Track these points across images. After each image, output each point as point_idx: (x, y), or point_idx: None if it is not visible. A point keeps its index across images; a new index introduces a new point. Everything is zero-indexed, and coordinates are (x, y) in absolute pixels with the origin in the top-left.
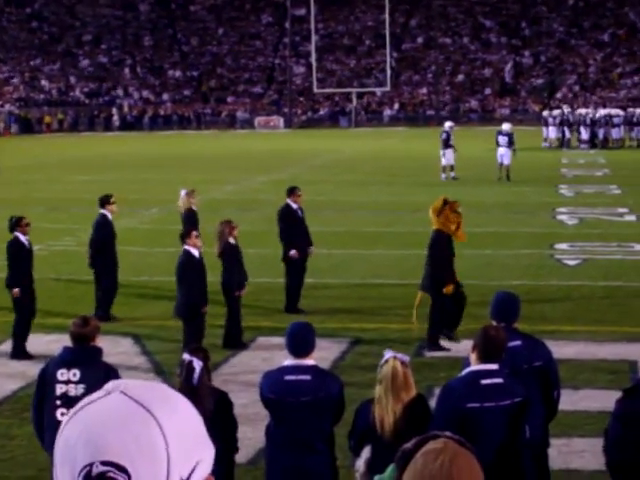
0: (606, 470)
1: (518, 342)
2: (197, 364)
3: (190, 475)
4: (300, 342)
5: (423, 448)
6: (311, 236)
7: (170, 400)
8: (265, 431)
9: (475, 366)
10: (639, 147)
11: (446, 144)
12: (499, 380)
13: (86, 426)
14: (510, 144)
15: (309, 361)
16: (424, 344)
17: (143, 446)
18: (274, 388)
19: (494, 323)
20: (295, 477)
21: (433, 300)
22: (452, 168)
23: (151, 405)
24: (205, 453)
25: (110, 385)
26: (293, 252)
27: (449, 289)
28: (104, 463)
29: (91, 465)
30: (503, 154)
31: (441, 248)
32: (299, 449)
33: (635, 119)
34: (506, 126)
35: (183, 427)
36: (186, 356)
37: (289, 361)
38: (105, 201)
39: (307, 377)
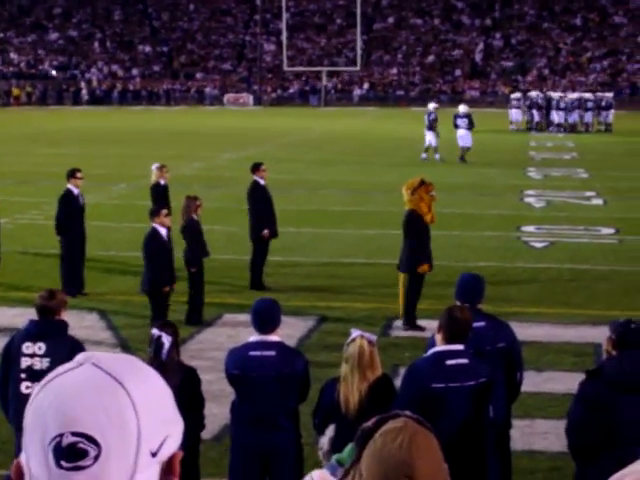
0: (568, 452)
1: (482, 323)
2: (166, 339)
3: (159, 449)
4: (265, 318)
5: (383, 427)
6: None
7: (141, 373)
8: (230, 408)
9: (440, 347)
10: (607, 131)
11: (432, 125)
12: (464, 360)
13: (57, 396)
14: (470, 125)
15: (274, 337)
16: (391, 323)
17: (113, 417)
18: (238, 364)
19: (458, 304)
20: (259, 453)
21: (409, 279)
22: (427, 149)
23: (122, 377)
24: (174, 428)
25: (81, 357)
26: (265, 232)
27: (424, 268)
28: (74, 434)
29: (61, 436)
30: (463, 136)
31: (416, 227)
32: (263, 426)
33: (604, 103)
34: (463, 108)
35: (153, 400)
36: (155, 331)
37: (254, 337)
38: (70, 175)
39: (272, 353)
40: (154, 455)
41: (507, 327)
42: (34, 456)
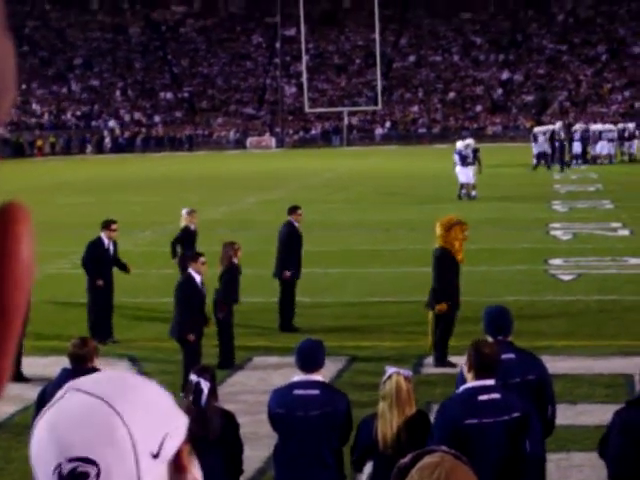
0: None
1: (512, 355)
2: (205, 385)
3: (160, 449)
4: (310, 358)
5: (419, 463)
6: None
7: (123, 384)
8: (273, 453)
9: (471, 383)
10: (630, 162)
11: (468, 161)
12: (496, 395)
13: (50, 427)
14: (463, 161)
15: (318, 377)
16: (421, 361)
17: (102, 433)
18: (282, 403)
19: (489, 338)
20: None
21: (438, 316)
22: (462, 187)
23: (103, 393)
24: (171, 425)
25: (65, 387)
26: (287, 273)
27: (442, 307)
28: (70, 460)
29: (60, 465)
30: (459, 172)
31: (448, 265)
32: (308, 465)
33: (626, 134)
34: (460, 143)
35: (142, 406)
36: (193, 377)
37: (298, 377)
38: (105, 226)
39: (316, 392)
40: (156, 456)
41: (537, 360)
42: None
